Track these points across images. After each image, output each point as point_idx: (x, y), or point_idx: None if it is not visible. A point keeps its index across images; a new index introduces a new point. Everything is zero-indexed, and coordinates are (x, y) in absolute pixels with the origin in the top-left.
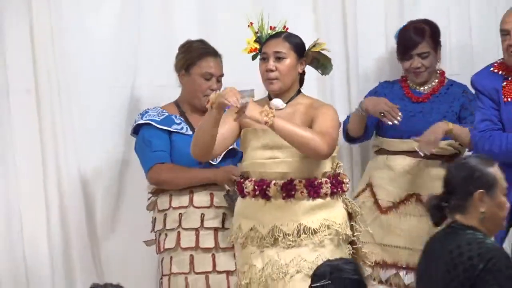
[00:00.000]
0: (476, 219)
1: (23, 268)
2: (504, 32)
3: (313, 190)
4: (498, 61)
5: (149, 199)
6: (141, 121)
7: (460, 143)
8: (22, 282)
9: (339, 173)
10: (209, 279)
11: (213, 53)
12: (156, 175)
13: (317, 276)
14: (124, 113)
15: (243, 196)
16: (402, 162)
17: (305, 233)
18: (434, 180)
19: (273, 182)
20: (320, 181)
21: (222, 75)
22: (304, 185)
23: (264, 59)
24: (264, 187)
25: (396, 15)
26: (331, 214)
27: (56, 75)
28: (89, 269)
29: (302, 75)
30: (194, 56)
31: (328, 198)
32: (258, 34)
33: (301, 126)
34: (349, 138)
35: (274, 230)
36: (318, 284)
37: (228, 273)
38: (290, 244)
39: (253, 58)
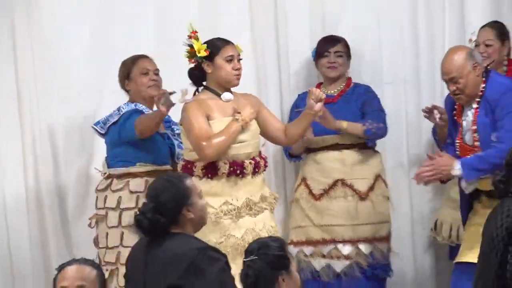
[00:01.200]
0: None
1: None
2: (444, 80)
3: (254, 166)
4: None
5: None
6: (129, 108)
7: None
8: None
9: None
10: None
11: (144, 56)
12: (139, 123)
13: (247, 252)
14: (93, 114)
15: (212, 177)
16: (326, 155)
17: (264, 201)
18: (353, 166)
19: (248, 161)
20: (260, 157)
21: (157, 69)
22: (263, 163)
23: (230, 61)
24: (239, 166)
25: (320, 35)
26: (265, 187)
27: (35, 80)
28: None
29: None
30: (129, 63)
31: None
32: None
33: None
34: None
35: (248, 201)
36: (247, 259)
37: None
38: (258, 211)
39: (204, 59)
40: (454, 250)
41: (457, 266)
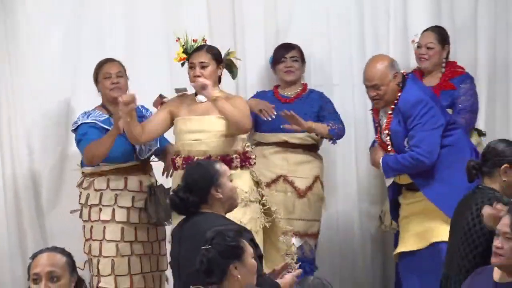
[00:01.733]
0: (498, 185)
1: None
2: (366, 86)
3: (225, 164)
4: None
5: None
6: (85, 121)
7: (320, 135)
8: None
9: (247, 151)
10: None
11: (109, 60)
12: (87, 154)
13: (205, 241)
14: (66, 112)
15: (175, 169)
16: (273, 151)
17: None
18: (296, 164)
19: (196, 158)
20: (231, 156)
21: (120, 71)
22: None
23: (192, 68)
24: (190, 162)
25: (273, 46)
26: (239, 182)
27: (11, 78)
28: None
29: (219, 75)
30: (97, 68)
31: (238, 170)
32: (184, 47)
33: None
34: None
35: None
36: (204, 247)
37: (144, 242)
38: None
39: (182, 65)
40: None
41: (399, 257)
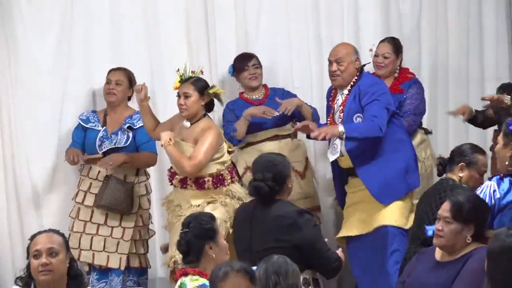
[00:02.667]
0: (457, 179)
1: None
2: (330, 61)
3: (199, 185)
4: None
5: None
6: (81, 117)
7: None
8: None
9: (222, 173)
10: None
11: (113, 69)
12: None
13: (183, 225)
14: (59, 116)
15: (171, 183)
16: (267, 145)
17: (192, 207)
18: (290, 152)
19: (175, 175)
20: (204, 179)
21: (119, 79)
22: (192, 182)
23: (178, 97)
24: (172, 178)
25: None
26: (213, 194)
27: (12, 92)
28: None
29: (210, 103)
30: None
31: (211, 189)
32: (182, 77)
33: (181, 154)
34: (236, 142)
35: (177, 204)
36: (182, 231)
37: (99, 225)
38: (181, 215)
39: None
40: None
41: (346, 241)
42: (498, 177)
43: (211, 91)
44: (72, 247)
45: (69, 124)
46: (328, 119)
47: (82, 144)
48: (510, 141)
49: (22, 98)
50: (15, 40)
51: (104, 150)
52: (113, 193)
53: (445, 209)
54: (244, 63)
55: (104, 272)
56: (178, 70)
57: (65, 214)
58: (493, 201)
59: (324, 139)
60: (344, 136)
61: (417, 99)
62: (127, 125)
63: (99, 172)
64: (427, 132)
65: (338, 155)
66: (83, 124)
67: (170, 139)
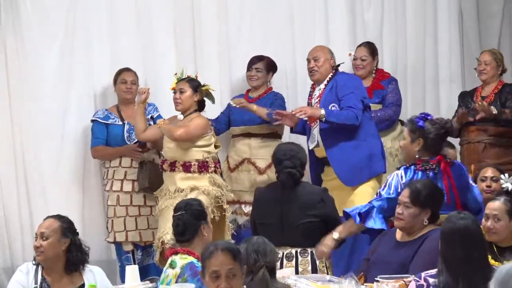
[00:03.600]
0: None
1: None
2: (308, 60)
3: (185, 168)
4: None
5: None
6: (92, 118)
7: (260, 116)
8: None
9: (207, 160)
10: (128, 210)
11: (126, 69)
12: (93, 153)
13: (176, 209)
14: (63, 115)
15: (162, 170)
16: (240, 141)
17: (178, 192)
18: (256, 149)
19: (166, 161)
20: (191, 163)
21: (133, 79)
22: (180, 165)
23: (175, 93)
24: (163, 164)
25: (225, 55)
26: (196, 182)
27: (22, 91)
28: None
29: (201, 102)
30: (117, 73)
31: (197, 174)
32: (178, 79)
33: (172, 127)
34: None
35: (166, 188)
36: (178, 213)
37: (140, 206)
38: (171, 196)
39: (174, 93)
40: None
41: None
42: (404, 166)
43: (203, 89)
44: (118, 230)
45: (72, 119)
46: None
47: (105, 140)
48: (417, 137)
49: (31, 96)
50: (24, 47)
51: (133, 141)
52: (152, 175)
53: (404, 195)
54: (250, 64)
55: (147, 248)
56: (176, 73)
57: (68, 198)
58: (401, 187)
59: (302, 117)
60: (324, 119)
61: (397, 93)
62: (149, 115)
63: (131, 160)
64: (403, 123)
65: (315, 143)
66: (103, 121)
67: (164, 120)
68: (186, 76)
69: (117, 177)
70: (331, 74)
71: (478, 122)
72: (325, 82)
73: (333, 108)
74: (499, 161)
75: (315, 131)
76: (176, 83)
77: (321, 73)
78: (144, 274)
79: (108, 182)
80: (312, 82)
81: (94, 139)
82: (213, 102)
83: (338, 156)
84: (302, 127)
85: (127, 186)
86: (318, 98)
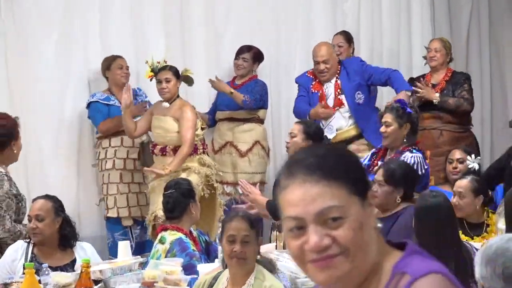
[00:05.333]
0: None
1: None
2: (317, 62)
3: (176, 153)
4: (310, 70)
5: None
6: (92, 100)
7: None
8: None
9: (195, 143)
10: (130, 187)
11: (120, 56)
12: (102, 127)
13: (166, 187)
14: (61, 107)
15: (153, 153)
16: (224, 125)
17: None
18: (239, 133)
19: (156, 145)
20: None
21: (127, 66)
22: (171, 149)
23: (159, 82)
24: (154, 148)
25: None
26: (187, 163)
27: (23, 75)
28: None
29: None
30: (110, 59)
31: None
32: (152, 67)
33: (180, 153)
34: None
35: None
36: (168, 192)
37: (140, 184)
38: (161, 179)
39: (150, 80)
40: None
41: None
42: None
43: (184, 74)
44: (121, 206)
45: (69, 101)
46: (324, 104)
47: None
48: (405, 121)
49: (31, 81)
50: (26, 36)
51: (136, 120)
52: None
53: (379, 174)
54: (238, 53)
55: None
56: (147, 62)
57: (66, 176)
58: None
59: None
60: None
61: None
62: (140, 100)
63: (133, 140)
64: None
65: (334, 134)
66: (105, 102)
67: (164, 166)
68: (157, 64)
69: (119, 156)
70: (339, 66)
71: (432, 110)
72: (336, 75)
73: (359, 96)
74: (454, 147)
75: (333, 121)
76: (153, 71)
77: (331, 74)
78: (142, 249)
79: (107, 162)
80: (313, 82)
81: (99, 115)
82: (190, 84)
83: (371, 126)
84: None
85: (130, 165)
86: (338, 90)
